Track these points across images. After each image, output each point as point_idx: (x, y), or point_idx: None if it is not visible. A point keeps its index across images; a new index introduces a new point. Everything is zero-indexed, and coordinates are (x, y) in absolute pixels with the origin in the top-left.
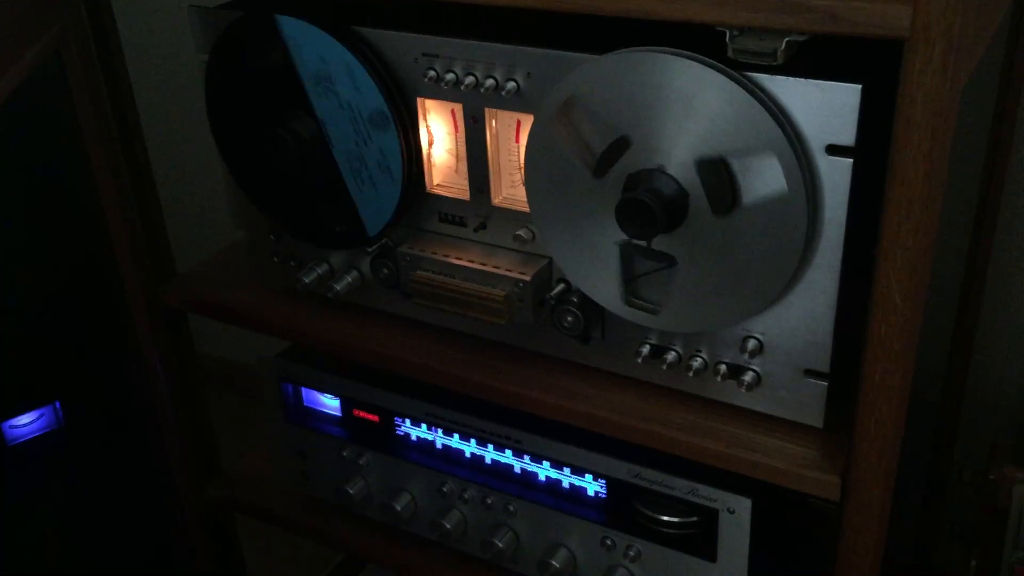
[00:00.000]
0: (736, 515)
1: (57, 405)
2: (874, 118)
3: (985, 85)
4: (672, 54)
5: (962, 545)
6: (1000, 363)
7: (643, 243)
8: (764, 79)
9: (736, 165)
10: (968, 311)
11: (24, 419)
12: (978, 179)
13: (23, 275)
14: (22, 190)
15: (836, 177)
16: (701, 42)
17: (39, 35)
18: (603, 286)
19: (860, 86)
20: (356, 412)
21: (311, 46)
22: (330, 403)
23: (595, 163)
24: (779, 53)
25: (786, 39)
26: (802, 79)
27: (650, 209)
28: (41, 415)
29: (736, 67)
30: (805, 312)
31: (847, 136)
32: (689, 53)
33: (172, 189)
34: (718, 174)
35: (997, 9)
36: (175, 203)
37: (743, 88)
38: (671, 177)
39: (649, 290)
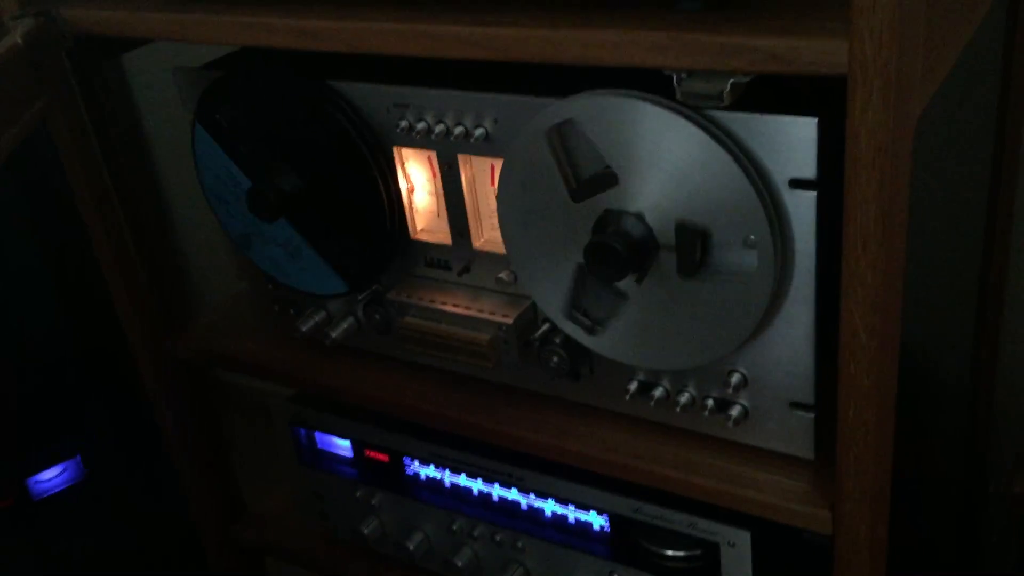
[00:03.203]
0: (737, 548)
1: (79, 459)
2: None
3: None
4: (631, 96)
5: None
6: None
7: None
8: (723, 116)
9: (716, 238)
10: (988, 310)
11: (48, 474)
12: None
13: (40, 335)
14: (39, 248)
15: (802, 210)
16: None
17: (23, 110)
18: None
19: (816, 119)
20: (367, 453)
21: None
22: (342, 444)
23: (577, 186)
24: (725, 95)
25: (731, 81)
26: (758, 115)
27: (618, 255)
28: (64, 469)
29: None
30: (785, 345)
31: (808, 170)
32: (646, 95)
33: (202, 237)
34: (692, 242)
35: (962, 26)
36: (202, 250)
37: (698, 127)
38: (642, 221)
39: (598, 309)
